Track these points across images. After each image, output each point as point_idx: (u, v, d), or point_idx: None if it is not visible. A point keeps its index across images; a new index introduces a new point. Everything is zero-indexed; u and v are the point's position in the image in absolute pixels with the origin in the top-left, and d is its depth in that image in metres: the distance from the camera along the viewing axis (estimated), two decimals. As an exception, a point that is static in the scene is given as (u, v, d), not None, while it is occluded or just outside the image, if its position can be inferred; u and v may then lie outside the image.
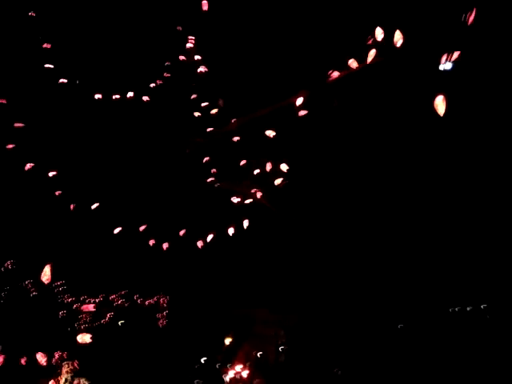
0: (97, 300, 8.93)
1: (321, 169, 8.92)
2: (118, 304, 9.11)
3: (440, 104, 4.70)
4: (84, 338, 8.22)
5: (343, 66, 6.95)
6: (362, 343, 9.44)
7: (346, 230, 9.66)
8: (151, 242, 8.48)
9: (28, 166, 8.43)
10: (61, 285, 8.69)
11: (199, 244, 8.92)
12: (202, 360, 9.06)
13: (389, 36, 5.87)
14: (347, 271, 9.83)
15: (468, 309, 9.30)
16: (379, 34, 5.91)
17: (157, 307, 9.44)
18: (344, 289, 9.85)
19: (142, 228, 8.41)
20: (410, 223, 9.14)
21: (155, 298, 9.47)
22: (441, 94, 4.71)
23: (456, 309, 9.36)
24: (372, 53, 6.30)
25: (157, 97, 9.19)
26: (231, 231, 9.07)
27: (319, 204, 9.48)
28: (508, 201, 8.70)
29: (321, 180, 9.12)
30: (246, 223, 9.09)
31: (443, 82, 5.43)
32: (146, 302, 9.33)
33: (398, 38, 5.74)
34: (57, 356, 7.99)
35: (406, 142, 7.47)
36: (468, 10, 4.63)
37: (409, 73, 6.14)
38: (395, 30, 5.71)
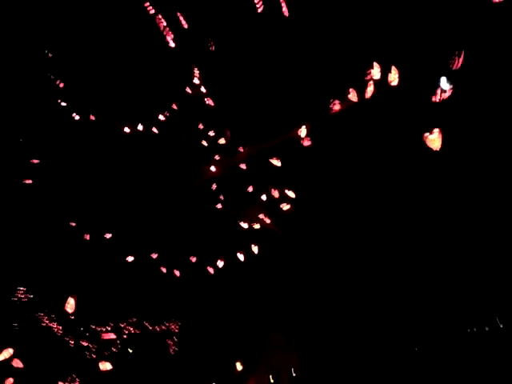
0: (109, 328, 9.15)
1: (325, 195, 9.27)
2: (129, 331, 9.30)
3: (434, 139, 5.08)
4: (105, 366, 8.47)
5: (344, 100, 7.37)
6: (376, 365, 9.53)
7: (353, 252, 9.90)
8: (163, 269, 8.80)
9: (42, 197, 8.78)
10: (79, 315, 8.94)
11: (210, 270, 9.23)
12: None
13: (385, 72, 6.31)
14: (359, 293, 10.00)
15: (486, 329, 9.34)
16: (376, 71, 6.35)
17: (168, 333, 9.62)
18: (356, 311, 9.98)
19: (154, 256, 8.77)
20: (419, 248, 9.37)
21: (166, 324, 9.65)
22: (435, 129, 5.09)
23: (474, 329, 9.41)
24: (370, 88, 6.73)
25: (166, 128, 9.59)
26: (241, 257, 9.39)
27: (325, 228, 9.78)
28: None
29: (326, 205, 9.45)
30: (255, 249, 9.41)
31: (436, 118, 5.84)
32: (157, 328, 9.53)
33: (394, 76, 6.17)
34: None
35: (404, 168, 7.84)
36: (457, 50, 5.02)
37: (403, 106, 6.54)
38: (391, 68, 6.15)
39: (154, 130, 9.54)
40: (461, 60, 5.03)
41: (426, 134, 5.24)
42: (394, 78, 6.14)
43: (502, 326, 9.23)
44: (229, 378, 9.75)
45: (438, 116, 5.85)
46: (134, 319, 9.40)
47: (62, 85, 9.04)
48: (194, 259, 9.28)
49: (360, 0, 6.88)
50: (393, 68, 6.16)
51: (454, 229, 8.45)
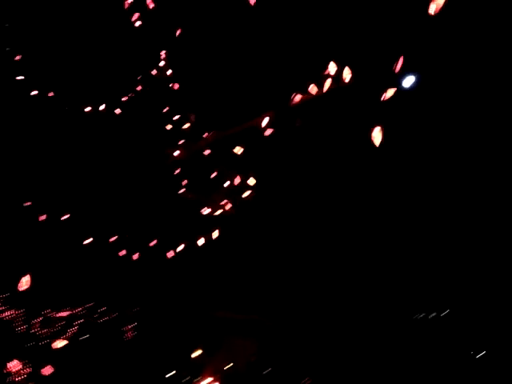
0: (64, 314, 9.07)
1: (285, 182, 9.48)
2: (84, 316, 9.21)
3: (376, 135, 5.40)
4: (58, 344, 8.43)
5: (304, 92, 7.57)
6: (334, 352, 9.79)
7: (312, 239, 10.13)
8: (121, 253, 8.88)
9: None
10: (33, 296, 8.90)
11: (169, 254, 9.35)
12: (170, 374, 9.14)
13: (341, 70, 6.55)
14: (317, 279, 10.25)
15: (431, 316, 9.66)
16: (332, 68, 6.58)
17: (124, 319, 9.56)
18: (315, 298, 10.21)
19: (112, 239, 8.82)
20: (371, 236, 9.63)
21: (123, 310, 9.59)
22: (378, 125, 5.42)
23: (421, 315, 9.74)
24: (327, 82, 6.92)
25: (129, 109, 9.57)
26: (201, 241, 9.54)
27: (285, 215, 9.99)
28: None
29: (286, 192, 9.66)
30: (215, 233, 9.56)
31: (382, 115, 6.20)
32: (113, 314, 9.47)
33: (347, 73, 6.42)
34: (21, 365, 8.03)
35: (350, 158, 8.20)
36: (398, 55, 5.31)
37: (355, 101, 6.90)
38: (345, 66, 6.40)
39: (117, 110, 9.51)
40: (400, 63, 5.34)
41: (372, 131, 5.57)
42: (346, 75, 6.36)
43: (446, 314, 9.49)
44: (186, 364, 9.76)
45: (383, 113, 6.21)
46: (91, 304, 9.38)
47: (18, 57, 8.85)
48: (152, 243, 9.37)
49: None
50: (346, 66, 6.42)
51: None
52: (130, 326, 9.74)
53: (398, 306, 9.83)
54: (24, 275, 7.80)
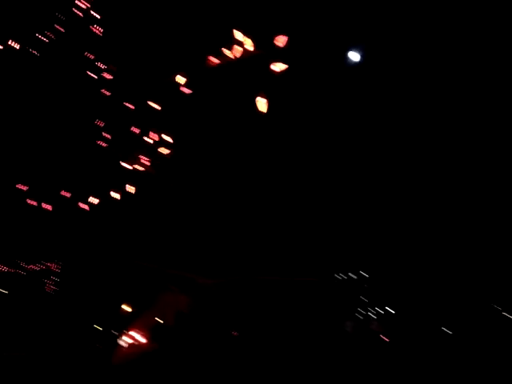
0: None
1: (202, 141, 9.71)
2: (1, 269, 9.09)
3: (262, 104, 5.76)
4: None
5: (220, 56, 7.75)
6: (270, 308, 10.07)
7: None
8: (33, 203, 8.90)
9: None
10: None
11: (85, 207, 9.46)
12: (97, 326, 9.18)
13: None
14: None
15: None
16: (239, 36, 6.80)
17: (46, 273, 9.46)
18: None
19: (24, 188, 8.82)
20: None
21: (46, 264, 9.52)
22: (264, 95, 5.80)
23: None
24: (237, 49, 7.14)
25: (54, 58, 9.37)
26: (117, 196, 9.67)
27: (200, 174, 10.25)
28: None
29: (202, 152, 9.90)
30: (132, 189, 9.71)
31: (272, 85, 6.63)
32: (34, 267, 9.38)
33: (250, 44, 6.67)
34: None
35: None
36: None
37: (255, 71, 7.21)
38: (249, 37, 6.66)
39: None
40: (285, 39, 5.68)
41: (258, 98, 5.95)
42: (250, 44, 6.61)
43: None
44: (114, 320, 9.72)
45: (275, 84, 6.60)
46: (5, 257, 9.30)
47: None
48: (68, 194, 9.42)
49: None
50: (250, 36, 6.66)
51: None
52: (52, 280, 9.70)
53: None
54: None
